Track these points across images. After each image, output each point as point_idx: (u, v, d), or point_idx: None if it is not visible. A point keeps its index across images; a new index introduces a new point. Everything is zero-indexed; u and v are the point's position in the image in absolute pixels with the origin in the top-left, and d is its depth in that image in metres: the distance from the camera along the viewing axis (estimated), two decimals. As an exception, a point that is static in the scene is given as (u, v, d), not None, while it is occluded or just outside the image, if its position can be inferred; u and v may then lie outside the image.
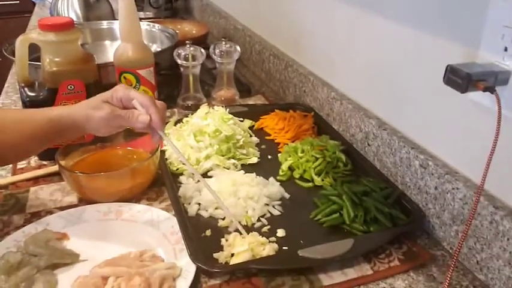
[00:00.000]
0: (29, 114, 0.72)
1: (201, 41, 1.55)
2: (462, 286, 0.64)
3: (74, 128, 0.69)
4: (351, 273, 0.65)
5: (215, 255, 0.66)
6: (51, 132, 0.69)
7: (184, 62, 1.08)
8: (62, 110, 0.70)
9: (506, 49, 0.58)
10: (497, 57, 0.59)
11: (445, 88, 0.61)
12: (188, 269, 0.63)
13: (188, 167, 0.81)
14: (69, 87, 0.86)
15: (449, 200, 0.69)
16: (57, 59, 0.85)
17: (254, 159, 0.92)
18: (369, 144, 0.89)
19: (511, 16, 0.57)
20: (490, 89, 0.56)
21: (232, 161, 0.89)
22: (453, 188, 0.68)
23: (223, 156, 0.90)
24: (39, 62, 0.87)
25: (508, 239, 0.59)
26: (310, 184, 0.85)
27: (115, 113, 0.67)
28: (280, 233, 0.72)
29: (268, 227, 0.73)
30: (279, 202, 0.80)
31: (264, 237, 0.69)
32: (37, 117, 0.69)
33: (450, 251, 0.70)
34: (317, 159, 0.87)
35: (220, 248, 0.68)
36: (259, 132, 1.03)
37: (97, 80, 0.91)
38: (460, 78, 0.58)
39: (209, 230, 0.72)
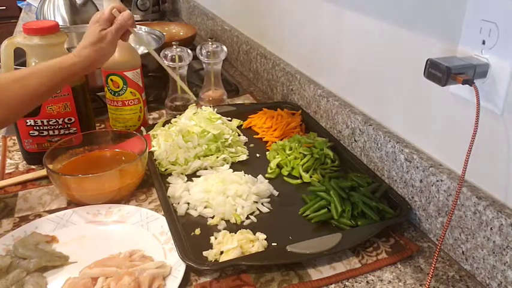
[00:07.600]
0: (30, 70, 0.75)
1: (188, 43, 1.56)
2: (448, 276, 0.65)
3: (84, 70, 0.78)
4: (340, 267, 0.66)
5: (205, 253, 0.67)
6: (60, 81, 0.75)
7: (171, 63, 1.08)
8: (69, 59, 0.76)
9: (484, 42, 0.59)
10: (475, 50, 0.60)
11: (427, 82, 0.62)
12: (178, 267, 0.64)
13: (158, 59, 0.90)
14: (55, 90, 0.86)
15: (434, 192, 0.70)
16: (42, 63, 0.85)
17: (243, 157, 0.92)
18: (355, 140, 0.90)
19: (488, 9, 0.58)
20: (469, 82, 0.57)
21: (223, 156, 0.90)
22: (437, 181, 0.69)
23: (212, 155, 0.90)
24: (26, 66, 0.87)
25: (491, 229, 0.60)
26: (299, 181, 0.86)
27: (113, 30, 0.79)
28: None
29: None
30: (268, 199, 0.80)
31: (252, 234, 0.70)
32: (42, 70, 0.73)
33: (436, 242, 0.72)
34: (305, 156, 0.88)
35: (210, 246, 0.69)
36: (248, 131, 1.04)
37: (84, 82, 0.90)
38: (440, 72, 0.59)
39: (198, 229, 0.72)
